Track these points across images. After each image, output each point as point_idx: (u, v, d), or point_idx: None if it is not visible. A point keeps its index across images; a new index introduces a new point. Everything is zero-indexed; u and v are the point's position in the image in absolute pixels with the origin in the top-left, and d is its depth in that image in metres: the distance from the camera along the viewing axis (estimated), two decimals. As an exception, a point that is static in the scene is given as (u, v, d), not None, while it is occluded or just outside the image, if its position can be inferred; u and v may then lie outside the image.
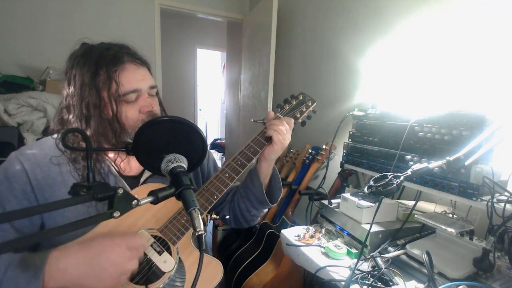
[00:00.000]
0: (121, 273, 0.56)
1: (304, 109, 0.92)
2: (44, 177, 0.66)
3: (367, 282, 0.78)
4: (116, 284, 0.57)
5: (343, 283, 0.79)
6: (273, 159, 0.84)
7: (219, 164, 5.02)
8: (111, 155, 0.75)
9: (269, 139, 0.80)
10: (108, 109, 0.68)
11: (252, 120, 2.62)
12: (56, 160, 0.68)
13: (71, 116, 0.69)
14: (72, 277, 0.54)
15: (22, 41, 2.39)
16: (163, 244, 0.66)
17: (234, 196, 0.93)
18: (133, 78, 0.69)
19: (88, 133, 0.68)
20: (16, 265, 0.54)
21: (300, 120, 0.92)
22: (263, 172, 0.85)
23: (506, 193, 0.75)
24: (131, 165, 0.78)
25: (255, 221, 0.93)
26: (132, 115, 0.70)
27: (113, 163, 0.73)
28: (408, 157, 0.93)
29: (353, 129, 1.22)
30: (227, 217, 0.95)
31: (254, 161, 0.81)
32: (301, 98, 0.93)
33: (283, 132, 0.79)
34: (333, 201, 1.12)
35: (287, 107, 0.91)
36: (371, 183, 0.70)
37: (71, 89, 0.68)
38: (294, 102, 0.92)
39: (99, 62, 0.67)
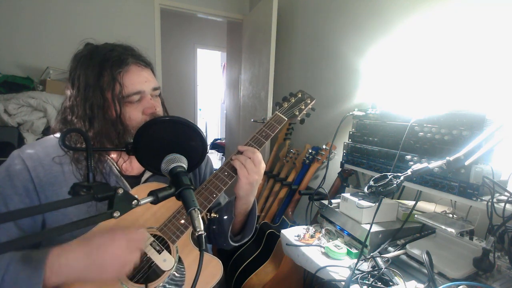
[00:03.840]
0: (122, 264, 0.56)
1: (303, 107, 0.92)
2: (46, 175, 0.66)
3: (367, 282, 0.78)
4: (119, 275, 0.57)
5: (343, 283, 0.79)
6: (241, 196, 0.77)
7: (219, 164, 5.02)
8: (113, 155, 0.75)
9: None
10: (111, 110, 0.68)
11: (252, 120, 2.62)
12: (58, 159, 0.68)
13: (74, 117, 0.69)
14: (73, 271, 0.55)
15: (22, 41, 2.39)
16: (162, 243, 0.65)
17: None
18: (136, 80, 0.70)
19: (91, 133, 0.68)
20: (18, 261, 0.55)
21: (299, 118, 0.92)
22: (238, 207, 0.80)
23: (506, 193, 0.75)
24: (133, 165, 0.78)
25: (226, 248, 0.87)
26: (136, 116, 0.71)
27: (115, 163, 0.74)
28: (408, 157, 0.93)
29: (353, 129, 1.22)
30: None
31: None
32: (299, 95, 0.93)
33: (250, 168, 0.72)
34: (333, 201, 1.12)
35: (286, 105, 0.91)
36: (371, 183, 0.70)
37: (75, 89, 0.69)
38: (293, 100, 0.92)
39: (103, 64, 0.67)
